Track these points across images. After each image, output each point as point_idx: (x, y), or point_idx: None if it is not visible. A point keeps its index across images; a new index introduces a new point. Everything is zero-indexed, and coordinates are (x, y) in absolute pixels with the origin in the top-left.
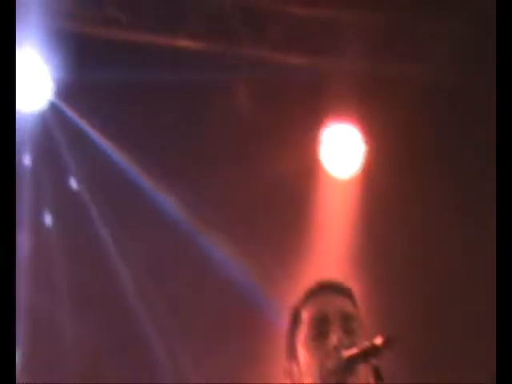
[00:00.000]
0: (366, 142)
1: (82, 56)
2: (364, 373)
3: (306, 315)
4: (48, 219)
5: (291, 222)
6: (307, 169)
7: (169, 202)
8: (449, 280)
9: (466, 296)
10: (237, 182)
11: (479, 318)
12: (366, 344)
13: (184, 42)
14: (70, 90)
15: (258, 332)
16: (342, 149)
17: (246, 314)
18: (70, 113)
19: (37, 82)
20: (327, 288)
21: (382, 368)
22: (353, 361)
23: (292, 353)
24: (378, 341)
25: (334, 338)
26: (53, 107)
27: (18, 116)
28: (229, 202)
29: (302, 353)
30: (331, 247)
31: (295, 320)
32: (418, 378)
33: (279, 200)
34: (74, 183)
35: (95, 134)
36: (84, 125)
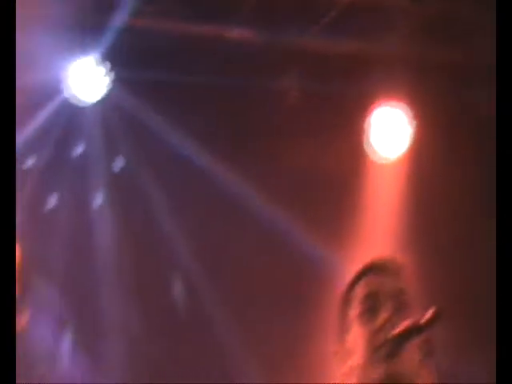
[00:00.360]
0: (414, 123)
1: (139, 49)
2: (413, 350)
3: (357, 293)
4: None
5: (342, 202)
6: (356, 150)
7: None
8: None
9: None
10: (289, 163)
11: None
12: (414, 321)
13: (235, 33)
14: (126, 82)
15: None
16: (389, 130)
17: (305, 284)
18: (127, 104)
19: (93, 75)
20: (379, 267)
21: (431, 343)
22: (401, 338)
23: (342, 329)
24: (426, 317)
25: (384, 316)
26: (109, 99)
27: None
28: (285, 186)
29: (352, 329)
30: (380, 226)
31: (347, 297)
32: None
33: (329, 181)
34: (129, 170)
35: (151, 125)
36: (139, 116)
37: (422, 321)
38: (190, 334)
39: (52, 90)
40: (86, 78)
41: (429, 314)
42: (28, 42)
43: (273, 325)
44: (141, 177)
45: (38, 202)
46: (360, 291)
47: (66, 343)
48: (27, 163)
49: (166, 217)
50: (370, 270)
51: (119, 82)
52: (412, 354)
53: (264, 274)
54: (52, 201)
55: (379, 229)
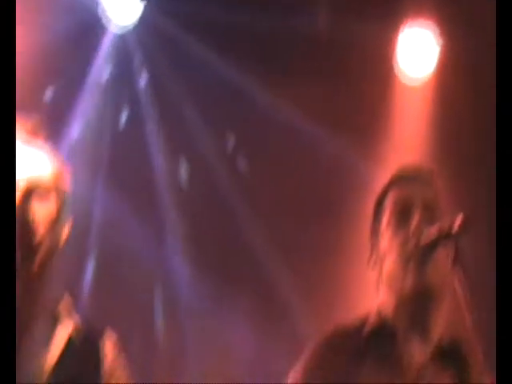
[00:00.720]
0: (441, 44)
1: None
2: (442, 258)
3: (389, 201)
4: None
5: (373, 115)
6: (383, 71)
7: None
8: None
9: None
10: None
11: None
12: (444, 228)
13: None
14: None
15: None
16: (417, 51)
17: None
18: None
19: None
20: (409, 175)
21: (459, 251)
22: (432, 245)
23: (376, 235)
24: (456, 224)
25: (415, 222)
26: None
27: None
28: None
29: (384, 236)
30: (409, 141)
31: (379, 205)
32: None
33: (357, 99)
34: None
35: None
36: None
37: (452, 228)
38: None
39: (88, 13)
40: (121, 1)
41: (458, 221)
42: None
43: (304, 234)
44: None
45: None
46: (391, 199)
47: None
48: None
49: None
50: (401, 178)
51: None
52: (441, 261)
53: (293, 184)
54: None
55: (409, 140)
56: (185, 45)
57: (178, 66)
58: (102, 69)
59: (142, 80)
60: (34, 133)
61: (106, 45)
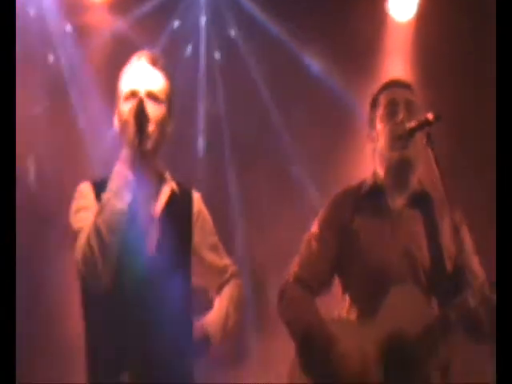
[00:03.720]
0: None
1: None
2: (419, 138)
3: (381, 100)
4: None
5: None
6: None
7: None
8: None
9: None
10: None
11: None
12: (421, 118)
13: None
14: None
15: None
16: None
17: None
18: None
19: None
20: (396, 83)
21: (432, 135)
22: (413, 130)
23: (372, 125)
24: (430, 116)
25: (401, 115)
26: None
27: None
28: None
29: (379, 125)
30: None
31: (374, 104)
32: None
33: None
34: None
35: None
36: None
37: (427, 118)
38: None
39: None
40: None
41: (430, 115)
42: None
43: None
44: None
45: None
46: (383, 98)
47: None
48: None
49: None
50: (391, 84)
51: None
52: (418, 141)
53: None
54: None
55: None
56: None
57: None
58: None
59: None
60: (153, 61)
61: None
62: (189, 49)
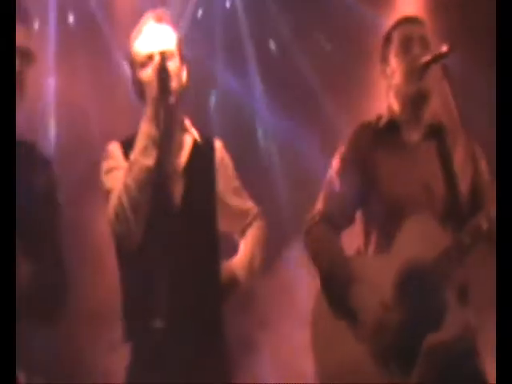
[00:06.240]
0: None
1: None
2: (435, 71)
3: (395, 36)
4: None
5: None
6: None
7: None
8: None
9: None
10: None
11: None
12: (435, 52)
13: None
14: None
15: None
16: None
17: None
18: None
19: None
20: (409, 19)
21: (447, 67)
22: (429, 63)
23: (385, 60)
24: (444, 48)
25: (415, 50)
26: None
27: None
28: None
29: (393, 60)
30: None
31: (387, 40)
32: None
33: None
34: None
35: None
36: None
37: (442, 51)
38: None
39: None
40: None
41: (445, 47)
42: None
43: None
44: None
45: None
46: (397, 35)
47: None
48: None
49: None
50: (404, 21)
51: None
52: (434, 73)
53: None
54: None
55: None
56: None
57: None
58: None
59: None
60: (159, 18)
61: None
62: None
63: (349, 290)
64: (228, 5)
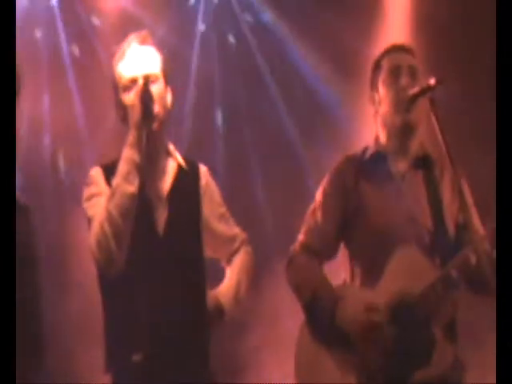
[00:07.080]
0: None
1: None
2: (422, 103)
3: (384, 64)
4: None
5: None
6: None
7: None
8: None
9: None
10: None
11: None
12: (424, 84)
13: None
14: None
15: None
16: None
17: None
18: None
19: None
20: (399, 48)
21: (434, 100)
22: (416, 96)
23: (374, 88)
24: (432, 81)
25: (404, 81)
26: None
27: None
28: None
29: (381, 89)
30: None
31: (376, 67)
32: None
33: None
34: None
35: None
36: None
37: (429, 84)
38: None
39: None
40: None
41: (432, 80)
42: None
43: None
44: None
45: None
46: (386, 63)
47: None
48: None
49: None
50: (393, 49)
51: None
52: (421, 105)
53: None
54: None
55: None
56: None
57: None
58: None
59: None
60: (143, 40)
61: None
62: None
63: (335, 311)
64: None
